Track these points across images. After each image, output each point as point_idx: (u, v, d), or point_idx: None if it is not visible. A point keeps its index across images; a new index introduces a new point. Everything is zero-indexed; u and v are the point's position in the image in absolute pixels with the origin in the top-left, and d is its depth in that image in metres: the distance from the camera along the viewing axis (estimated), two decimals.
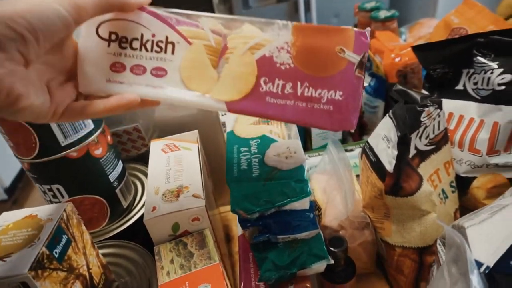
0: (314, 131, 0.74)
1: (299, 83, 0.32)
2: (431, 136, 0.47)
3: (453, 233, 0.29)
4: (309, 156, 0.70)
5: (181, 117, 0.64)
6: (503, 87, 0.47)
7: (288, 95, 0.32)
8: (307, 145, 0.78)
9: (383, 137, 0.45)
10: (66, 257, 0.34)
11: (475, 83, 0.51)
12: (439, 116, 0.47)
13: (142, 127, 0.64)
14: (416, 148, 0.45)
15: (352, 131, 0.74)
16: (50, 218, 0.34)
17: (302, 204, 0.39)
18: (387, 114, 0.46)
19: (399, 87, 0.52)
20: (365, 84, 0.75)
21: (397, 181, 0.42)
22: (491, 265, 0.26)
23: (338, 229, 0.52)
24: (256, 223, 0.40)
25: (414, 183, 0.43)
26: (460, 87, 0.54)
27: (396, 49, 0.73)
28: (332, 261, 0.46)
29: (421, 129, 0.45)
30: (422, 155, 0.46)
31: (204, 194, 0.45)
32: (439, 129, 0.48)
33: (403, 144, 0.41)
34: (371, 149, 0.47)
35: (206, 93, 0.33)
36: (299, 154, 0.41)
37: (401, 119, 0.42)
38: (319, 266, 0.45)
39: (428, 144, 0.47)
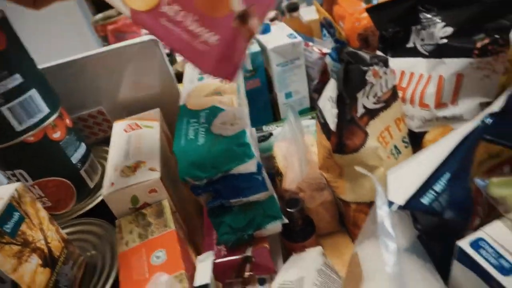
0: (281, 102, 0.75)
1: (190, 15, 0.32)
2: (379, 94, 0.48)
3: (374, 179, 0.30)
4: (276, 126, 0.71)
5: (144, 97, 0.65)
6: (445, 40, 0.48)
7: (178, 23, 0.32)
8: (276, 116, 0.79)
9: (329, 98, 0.46)
10: (19, 232, 0.35)
11: (422, 39, 0.52)
12: (386, 74, 0.48)
13: (106, 109, 0.65)
14: (364, 107, 0.46)
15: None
16: (1, 197, 0.36)
17: (248, 167, 0.40)
18: (332, 75, 0.47)
19: (350, 49, 0.52)
20: (328, 50, 0.75)
21: (341, 139, 0.43)
22: (402, 203, 0.28)
23: (297, 192, 0.54)
24: (207, 189, 0.42)
25: (358, 140, 0.44)
26: (410, 44, 0.54)
27: (356, 13, 0.73)
28: (286, 221, 0.48)
29: (367, 88, 0.46)
30: (371, 113, 0.47)
31: (161, 167, 0.47)
32: (387, 87, 0.49)
33: (341, 102, 0.42)
34: (320, 111, 0.48)
35: None
36: (243, 120, 0.42)
37: (340, 79, 0.43)
38: (275, 226, 0.48)
39: (376, 102, 0.48)
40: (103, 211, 0.56)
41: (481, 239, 0.29)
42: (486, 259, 0.28)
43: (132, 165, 0.47)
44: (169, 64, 0.65)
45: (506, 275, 0.26)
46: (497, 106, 0.34)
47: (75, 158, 0.53)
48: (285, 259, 0.50)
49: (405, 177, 0.30)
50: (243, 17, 0.31)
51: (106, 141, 0.68)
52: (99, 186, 0.58)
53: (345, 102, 0.43)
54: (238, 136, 0.39)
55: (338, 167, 0.49)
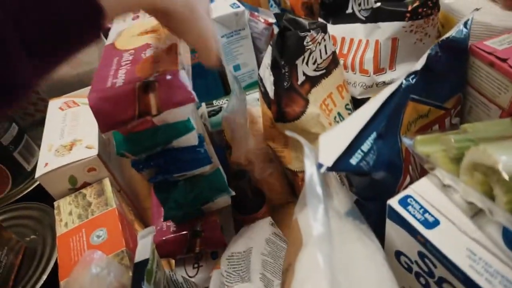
0: (229, 75, 0.73)
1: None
2: (319, 61, 0.48)
3: (303, 142, 0.30)
4: (227, 100, 0.70)
5: (82, 73, 0.62)
6: (379, 4, 0.48)
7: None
8: (227, 90, 0.78)
9: (267, 66, 0.45)
10: None
11: (359, 4, 0.52)
12: (324, 40, 0.48)
13: (41, 88, 0.61)
14: (304, 74, 0.46)
15: None
16: None
17: (188, 140, 0.39)
18: (270, 43, 0.46)
19: (289, 16, 0.52)
20: (274, 20, 0.74)
21: (280, 107, 0.43)
22: (330, 164, 0.28)
23: (246, 163, 0.54)
24: (148, 164, 0.40)
25: (298, 107, 0.44)
26: (349, 10, 0.54)
27: None
28: (233, 194, 0.48)
29: (306, 55, 0.45)
30: (312, 81, 0.47)
31: (99, 144, 0.45)
32: (326, 53, 0.49)
33: (276, 68, 0.42)
34: (261, 80, 0.48)
35: None
36: None
37: (274, 45, 0.43)
38: (223, 200, 0.47)
39: (317, 69, 0.48)
40: (44, 195, 0.53)
41: (409, 196, 0.30)
42: (413, 215, 0.29)
43: (68, 143, 0.45)
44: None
45: (430, 229, 0.28)
46: (419, 64, 0.35)
47: (6, 140, 0.50)
48: (237, 232, 0.51)
49: (336, 139, 0.30)
50: (146, 87, 0.30)
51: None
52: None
53: (280, 68, 0.42)
54: None
55: (283, 137, 0.49)
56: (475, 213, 0.28)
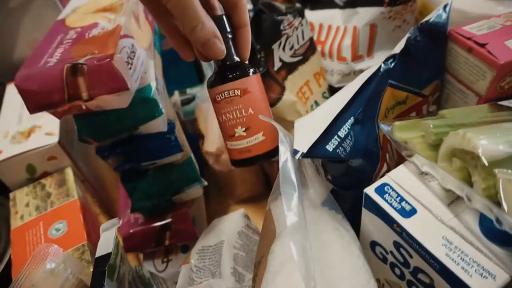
0: (204, 64, 0.71)
1: None
2: (296, 47, 0.46)
3: (278, 128, 0.29)
4: (201, 88, 0.68)
5: None
6: None
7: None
8: (201, 78, 0.75)
9: None
10: None
11: None
12: (301, 25, 0.46)
13: None
14: (281, 60, 0.44)
15: None
16: None
17: (157, 126, 0.36)
18: None
19: (265, 0, 0.50)
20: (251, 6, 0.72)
21: None
22: (305, 150, 0.27)
23: (218, 154, 0.52)
24: (113, 151, 0.38)
25: (274, 94, 0.42)
26: None
27: None
28: (205, 183, 0.46)
29: (283, 40, 0.44)
30: (289, 67, 0.46)
31: (61, 131, 0.42)
32: (303, 39, 0.47)
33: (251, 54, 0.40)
34: None
35: None
36: (149, 73, 0.38)
37: (252, 30, 0.41)
38: (195, 190, 0.45)
39: (293, 55, 0.46)
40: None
41: (386, 184, 0.29)
42: (390, 204, 0.28)
43: (26, 130, 0.42)
44: None
45: (407, 217, 0.27)
46: (398, 48, 0.34)
47: None
48: (209, 224, 0.49)
49: (311, 125, 0.29)
50: (75, 70, 0.28)
51: None
52: None
53: (255, 53, 0.40)
54: (143, 90, 0.35)
55: None
56: (452, 201, 0.27)
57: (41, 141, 0.40)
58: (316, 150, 0.27)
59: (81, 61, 0.27)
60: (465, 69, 0.36)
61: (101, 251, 0.30)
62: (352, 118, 0.30)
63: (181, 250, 0.47)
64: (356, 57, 0.50)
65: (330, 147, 0.28)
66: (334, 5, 0.51)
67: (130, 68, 0.30)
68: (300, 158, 0.26)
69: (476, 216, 0.25)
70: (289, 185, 0.25)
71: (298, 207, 0.25)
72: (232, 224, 0.48)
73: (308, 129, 0.28)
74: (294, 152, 0.26)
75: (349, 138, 0.29)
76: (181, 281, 0.37)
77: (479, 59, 0.34)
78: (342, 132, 0.29)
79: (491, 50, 0.33)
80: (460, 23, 0.39)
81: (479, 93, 0.35)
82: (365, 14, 0.47)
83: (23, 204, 0.38)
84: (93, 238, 0.36)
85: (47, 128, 0.41)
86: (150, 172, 0.41)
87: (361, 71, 0.50)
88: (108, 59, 0.27)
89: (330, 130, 0.28)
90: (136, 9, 0.38)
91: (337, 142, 0.28)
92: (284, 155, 0.26)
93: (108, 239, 0.32)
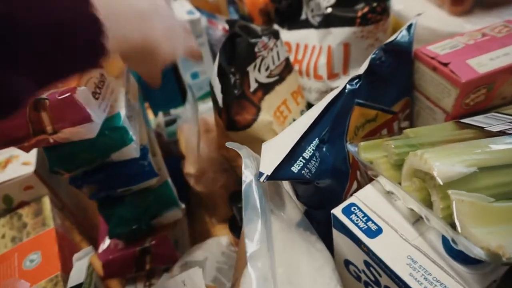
0: (188, 83, 0.72)
1: None
2: (272, 67, 0.47)
3: (242, 154, 0.29)
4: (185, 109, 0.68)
5: None
6: (330, 10, 0.48)
7: None
8: (184, 99, 0.76)
9: (215, 73, 0.44)
10: None
11: (312, 10, 0.52)
12: (276, 46, 0.47)
13: None
14: (257, 81, 0.45)
15: None
16: None
17: (128, 153, 0.36)
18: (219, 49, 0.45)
19: (241, 22, 0.51)
20: None
21: (230, 115, 0.42)
22: (269, 173, 0.27)
23: (199, 174, 0.52)
24: (87, 180, 0.38)
25: (249, 115, 0.43)
26: (303, 16, 0.54)
27: None
28: (183, 207, 0.46)
29: (258, 61, 0.44)
30: (266, 88, 0.46)
31: (37, 160, 0.42)
32: (279, 59, 0.48)
33: (222, 75, 0.40)
34: (211, 88, 0.46)
35: None
36: (119, 102, 0.38)
37: (224, 53, 0.42)
38: (173, 214, 0.45)
39: (269, 76, 0.47)
40: None
41: (353, 204, 0.29)
42: (356, 224, 0.28)
43: (3, 160, 0.42)
44: None
45: (372, 238, 0.27)
46: (362, 69, 0.34)
47: None
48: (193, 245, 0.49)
49: (277, 147, 0.29)
50: (36, 106, 0.28)
51: None
52: None
53: (227, 75, 0.41)
54: (112, 119, 0.35)
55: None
56: (417, 219, 0.27)
57: (17, 171, 0.40)
58: (281, 172, 0.27)
59: (44, 96, 0.27)
60: (432, 86, 0.37)
61: (72, 281, 0.30)
62: (317, 139, 0.31)
63: (164, 273, 0.47)
64: (332, 75, 0.51)
65: (295, 168, 0.28)
66: (309, 25, 0.52)
67: (98, 98, 0.30)
68: (265, 181, 0.26)
69: (440, 234, 0.26)
70: (252, 210, 0.25)
71: (261, 233, 0.25)
72: (217, 245, 0.48)
73: (274, 151, 0.29)
74: (260, 174, 0.27)
75: (314, 159, 0.30)
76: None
77: (443, 77, 0.34)
78: (307, 154, 0.29)
79: (453, 69, 0.33)
80: (429, 40, 0.40)
81: (446, 110, 0.36)
82: (338, 34, 0.48)
83: None
84: (69, 268, 0.35)
85: (24, 158, 0.42)
86: (126, 198, 0.41)
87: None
88: (69, 93, 0.28)
89: (294, 151, 0.29)
90: None
91: (302, 164, 0.29)
92: (247, 179, 0.26)
93: (80, 269, 0.32)
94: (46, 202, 0.41)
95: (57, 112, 0.28)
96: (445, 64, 0.34)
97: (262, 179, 0.26)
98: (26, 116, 0.27)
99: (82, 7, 0.23)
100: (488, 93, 0.34)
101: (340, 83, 0.51)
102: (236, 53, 0.43)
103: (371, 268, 0.28)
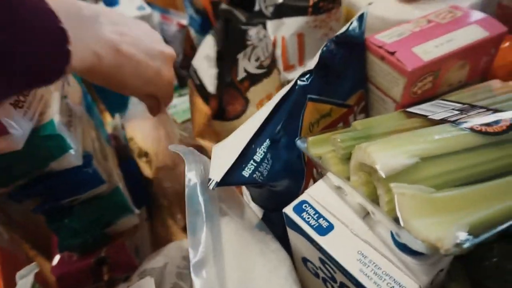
0: None
1: None
2: (262, 58, 0.45)
3: (185, 156, 0.28)
4: None
5: None
6: (281, 0, 0.47)
7: None
8: None
9: (205, 56, 0.42)
10: None
11: (265, 1, 0.50)
12: (265, 37, 0.45)
13: None
14: (245, 70, 0.43)
15: None
16: None
17: (68, 161, 0.34)
18: (210, 32, 0.43)
19: (224, 6, 0.49)
20: (185, 22, 0.71)
21: (221, 103, 0.40)
22: (219, 179, 0.26)
23: (172, 166, 0.50)
24: (26, 193, 0.35)
25: (239, 106, 0.41)
26: (257, 7, 0.53)
27: None
28: (138, 212, 0.44)
29: (248, 50, 0.42)
30: (253, 79, 0.44)
31: None
32: (267, 51, 0.46)
33: (221, 59, 0.39)
34: (195, 71, 0.44)
35: None
36: (52, 107, 0.36)
37: (221, 35, 0.40)
38: (128, 220, 0.43)
39: (259, 67, 0.45)
40: None
41: (304, 201, 0.29)
42: (307, 222, 0.27)
43: None
44: None
45: (323, 235, 0.26)
46: (313, 63, 0.33)
47: None
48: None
49: (227, 150, 0.28)
50: None
51: None
52: None
53: (225, 60, 0.39)
54: (44, 127, 0.32)
55: (215, 135, 0.46)
56: (367, 213, 0.27)
57: None
58: (231, 178, 0.26)
59: None
60: (381, 76, 0.36)
61: None
62: (268, 140, 0.29)
63: (123, 283, 0.45)
64: (288, 67, 0.50)
65: (246, 172, 0.27)
66: (263, 17, 0.51)
67: (22, 107, 0.28)
68: (214, 188, 0.25)
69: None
70: (195, 216, 0.24)
71: (206, 241, 0.24)
72: (177, 249, 0.46)
73: (223, 155, 0.27)
74: (208, 181, 0.26)
75: (266, 161, 0.29)
76: None
77: (390, 66, 0.34)
78: (257, 156, 0.28)
79: (399, 58, 0.33)
80: (380, 29, 0.40)
81: (395, 99, 0.36)
82: (291, 25, 0.47)
83: None
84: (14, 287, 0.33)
85: None
86: (75, 208, 0.39)
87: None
88: None
89: (245, 154, 0.28)
90: None
91: (253, 167, 0.28)
92: (191, 183, 0.25)
93: (24, 287, 0.30)
94: None
95: None
96: (392, 53, 0.34)
97: (211, 186, 0.25)
98: None
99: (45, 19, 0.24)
100: (435, 80, 0.35)
101: (296, 75, 0.51)
102: (227, 38, 0.41)
103: (326, 265, 0.28)
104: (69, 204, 0.38)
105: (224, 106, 0.41)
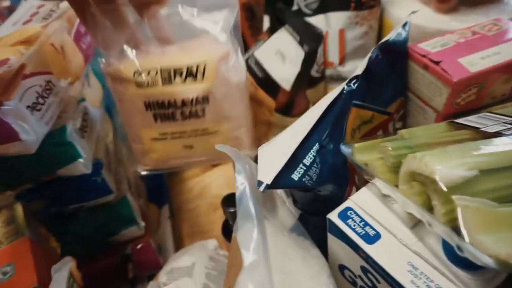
0: None
1: None
2: (320, 62, 0.45)
3: (235, 159, 0.28)
4: None
5: None
6: None
7: None
8: None
9: (277, 52, 0.42)
10: None
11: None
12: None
13: None
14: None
15: None
16: None
17: (77, 169, 0.34)
18: (283, 28, 0.43)
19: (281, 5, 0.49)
20: None
21: (293, 100, 0.40)
22: (269, 182, 0.26)
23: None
24: (34, 195, 0.35)
25: (304, 105, 0.42)
26: (295, 7, 0.53)
27: None
28: (143, 224, 0.43)
29: (319, 51, 0.43)
30: (312, 82, 0.45)
31: None
32: (322, 57, 0.46)
33: (309, 61, 0.39)
34: (257, 63, 0.44)
35: None
36: (67, 112, 0.35)
37: (305, 34, 0.40)
38: (131, 232, 0.43)
39: (317, 71, 0.45)
40: None
41: (349, 208, 0.28)
42: (353, 229, 0.27)
43: None
44: None
45: (371, 244, 0.26)
46: (360, 68, 0.33)
47: None
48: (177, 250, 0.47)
49: (275, 152, 0.28)
50: None
51: None
52: None
53: (313, 61, 0.39)
54: (57, 133, 0.32)
55: (265, 127, 0.45)
56: (416, 223, 0.27)
57: None
58: (281, 181, 0.26)
59: None
60: (423, 85, 0.36)
61: None
62: (317, 144, 0.29)
63: (148, 281, 0.45)
64: (327, 64, 0.50)
65: (295, 176, 0.27)
66: (303, 15, 0.51)
67: (40, 110, 0.28)
68: (265, 190, 0.25)
69: (439, 239, 0.25)
70: (246, 219, 0.24)
71: (257, 242, 0.24)
72: (203, 249, 0.46)
73: (272, 158, 0.27)
74: (258, 183, 0.25)
75: (315, 165, 0.29)
76: None
77: (434, 76, 0.34)
78: (307, 160, 0.28)
79: (445, 67, 0.33)
80: (417, 38, 0.40)
81: (436, 109, 0.35)
82: (334, 19, 0.48)
83: None
84: (47, 280, 0.33)
85: None
86: (81, 214, 0.39)
87: (331, 78, 0.50)
88: None
89: (294, 158, 0.28)
90: (59, 38, 0.34)
91: (302, 171, 0.27)
92: (241, 186, 0.25)
93: (59, 281, 0.29)
94: (19, 209, 0.38)
95: None
96: (437, 63, 0.34)
97: (261, 188, 0.25)
98: None
99: None
100: (479, 92, 0.34)
101: (333, 72, 0.50)
102: (311, 40, 0.41)
103: (369, 274, 0.27)
104: (74, 211, 0.38)
105: (295, 103, 0.41)
